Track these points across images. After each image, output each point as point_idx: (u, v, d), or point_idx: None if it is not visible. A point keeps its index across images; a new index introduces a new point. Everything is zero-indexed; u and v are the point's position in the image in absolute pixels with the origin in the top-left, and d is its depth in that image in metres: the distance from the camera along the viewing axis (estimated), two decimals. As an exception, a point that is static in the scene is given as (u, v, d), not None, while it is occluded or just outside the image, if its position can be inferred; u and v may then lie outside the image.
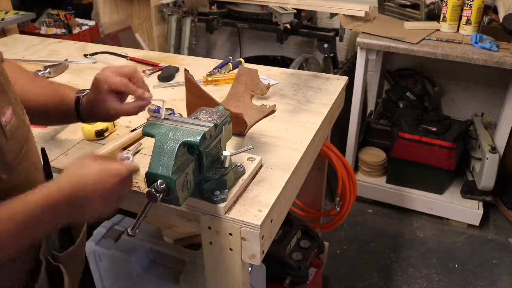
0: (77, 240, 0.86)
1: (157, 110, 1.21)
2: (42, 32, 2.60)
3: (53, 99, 0.93)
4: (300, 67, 2.35)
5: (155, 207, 0.77)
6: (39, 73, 1.45)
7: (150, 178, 0.75)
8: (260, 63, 1.57)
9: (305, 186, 1.63)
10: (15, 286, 0.72)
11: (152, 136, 0.78)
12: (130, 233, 0.76)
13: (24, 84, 0.90)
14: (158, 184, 0.74)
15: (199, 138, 0.75)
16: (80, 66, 1.60)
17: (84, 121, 0.96)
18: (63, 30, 2.59)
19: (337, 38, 2.48)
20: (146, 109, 1.23)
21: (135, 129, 1.13)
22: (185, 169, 0.77)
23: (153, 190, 0.74)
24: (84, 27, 2.66)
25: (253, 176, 0.96)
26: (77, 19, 2.68)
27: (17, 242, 0.62)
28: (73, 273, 0.84)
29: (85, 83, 1.46)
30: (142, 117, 1.21)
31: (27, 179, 0.70)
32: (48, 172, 0.84)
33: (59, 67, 1.54)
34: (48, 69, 1.48)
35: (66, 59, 1.63)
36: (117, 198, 0.74)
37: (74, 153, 1.08)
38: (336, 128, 1.52)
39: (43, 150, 0.83)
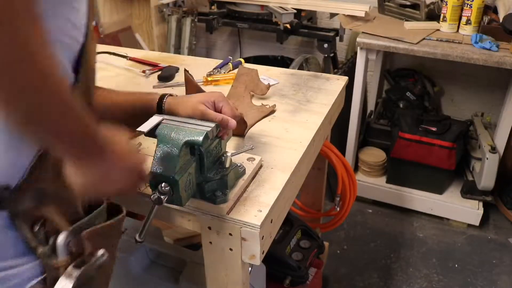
0: None
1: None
2: (42, 32, 2.60)
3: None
4: (300, 67, 2.35)
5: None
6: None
7: (154, 178, 0.75)
8: (260, 63, 1.57)
9: (305, 186, 1.64)
10: None
11: (154, 136, 0.78)
12: (138, 239, 0.76)
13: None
14: (163, 186, 0.74)
15: (202, 137, 0.75)
16: (80, 66, 1.60)
17: None
18: (63, 30, 2.59)
19: (337, 38, 2.48)
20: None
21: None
22: (187, 169, 0.77)
23: (157, 194, 0.74)
24: (84, 27, 2.66)
25: (253, 176, 0.96)
26: (77, 19, 2.68)
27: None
28: None
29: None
30: (142, 117, 1.22)
31: None
32: None
33: (59, 67, 1.54)
34: (48, 69, 1.48)
35: (66, 59, 1.63)
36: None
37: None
38: (336, 128, 1.52)
39: None
